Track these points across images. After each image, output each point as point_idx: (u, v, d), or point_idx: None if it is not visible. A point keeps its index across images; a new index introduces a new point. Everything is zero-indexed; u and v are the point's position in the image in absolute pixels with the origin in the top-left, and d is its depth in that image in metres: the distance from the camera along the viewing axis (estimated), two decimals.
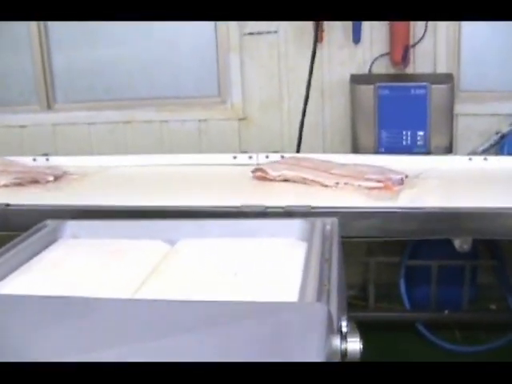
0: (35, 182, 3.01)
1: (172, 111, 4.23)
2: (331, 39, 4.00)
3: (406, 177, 2.78)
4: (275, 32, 4.04)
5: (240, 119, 4.16)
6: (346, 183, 2.69)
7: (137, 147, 4.21)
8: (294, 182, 2.78)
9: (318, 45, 3.87)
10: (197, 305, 1.31)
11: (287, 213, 2.34)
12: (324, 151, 4.03)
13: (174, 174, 3.06)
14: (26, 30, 4.36)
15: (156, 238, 1.93)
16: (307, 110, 3.87)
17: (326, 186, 2.70)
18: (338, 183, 2.69)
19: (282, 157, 3.11)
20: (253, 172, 2.89)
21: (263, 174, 2.84)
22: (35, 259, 1.82)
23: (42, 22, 4.33)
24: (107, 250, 1.86)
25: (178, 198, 2.58)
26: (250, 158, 3.13)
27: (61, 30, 4.37)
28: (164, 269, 1.70)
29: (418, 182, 2.80)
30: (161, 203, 2.49)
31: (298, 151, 3.75)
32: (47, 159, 3.47)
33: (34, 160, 3.47)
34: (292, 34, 4.03)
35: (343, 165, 2.91)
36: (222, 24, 4.09)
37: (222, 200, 2.52)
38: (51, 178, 3.04)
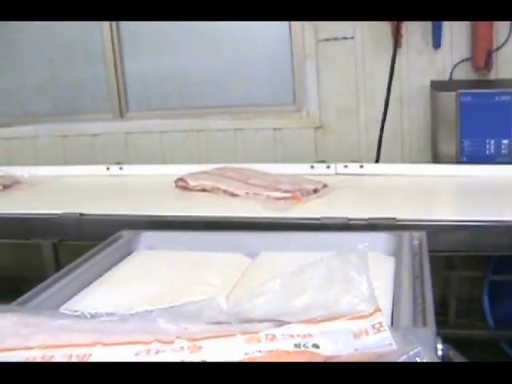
0: None
1: (246, 119, 4.17)
2: (410, 44, 3.87)
3: (325, 186, 2.74)
4: (352, 38, 3.93)
5: (316, 128, 4.06)
6: (255, 193, 2.71)
7: (210, 156, 4.16)
8: (211, 191, 2.86)
9: (397, 50, 3.75)
10: None
11: (370, 225, 2.23)
12: (402, 161, 3.90)
13: None
14: (99, 39, 4.38)
15: (236, 250, 1.85)
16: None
17: (237, 195, 2.75)
18: (247, 193, 2.73)
19: (362, 166, 3.02)
20: (175, 182, 2.97)
21: (184, 184, 2.93)
22: (112, 271, 1.77)
23: (115, 31, 4.34)
24: (185, 262, 1.80)
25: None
26: (328, 167, 3.05)
27: (134, 38, 4.38)
28: (246, 284, 1.61)
29: (333, 193, 2.74)
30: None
31: (377, 161, 3.63)
32: (121, 168, 3.46)
33: (108, 169, 3.47)
34: (369, 39, 3.92)
35: (265, 175, 2.96)
36: (297, 30, 4.01)
37: (138, 209, 2.62)
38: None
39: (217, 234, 2.02)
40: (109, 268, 1.79)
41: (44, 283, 1.58)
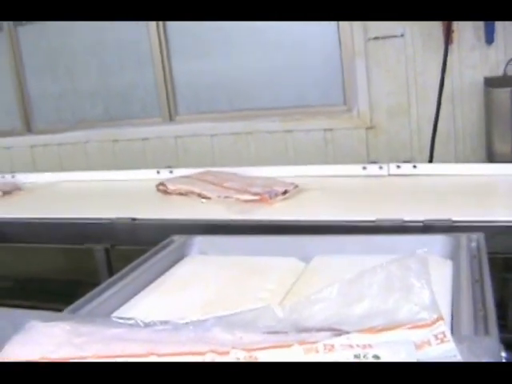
0: None
1: (296, 121, 4.13)
2: (462, 41, 3.80)
3: (296, 187, 2.75)
4: (401, 36, 3.87)
5: (367, 128, 4.01)
6: (226, 196, 2.75)
7: (260, 158, 4.14)
8: (186, 195, 2.92)
9: (449, 47, 3.67)
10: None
11: (426, 227, 2.17)
12: (456, 160, 3.82)
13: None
14: (148, 44, 4.39)
15: (290, 254, 1.82)
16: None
17: (209, 198, 2.79)
18: (219, 196, 2.76)
19: (415, 167, 2.96)
20: (156, 186, 3.06)
21: (164, 188, 3.03)
22: (164, 277, 1.76)
23: (163, 35, 4.35)
24: (238, 267, 1.77)
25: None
26: (381, 168, 2.99)
27: (182, 42, 4.38)
28: (301, 289, 1.58)
29: (302, 194, 2.73)
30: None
31: (430, 160, 3.56)
32: (171, 171, 3.45)
33: (158, 173, 3.47)
34: (419, 36, 3.86)
35: (243, 178, 3.01)
36: (345, 30, 3.97)
37: (119, 212, 2.66)
38: None
39: (270, 237, 1.99)
40: (161, 273, 1.77)
41: (96, 290, 1.58)
